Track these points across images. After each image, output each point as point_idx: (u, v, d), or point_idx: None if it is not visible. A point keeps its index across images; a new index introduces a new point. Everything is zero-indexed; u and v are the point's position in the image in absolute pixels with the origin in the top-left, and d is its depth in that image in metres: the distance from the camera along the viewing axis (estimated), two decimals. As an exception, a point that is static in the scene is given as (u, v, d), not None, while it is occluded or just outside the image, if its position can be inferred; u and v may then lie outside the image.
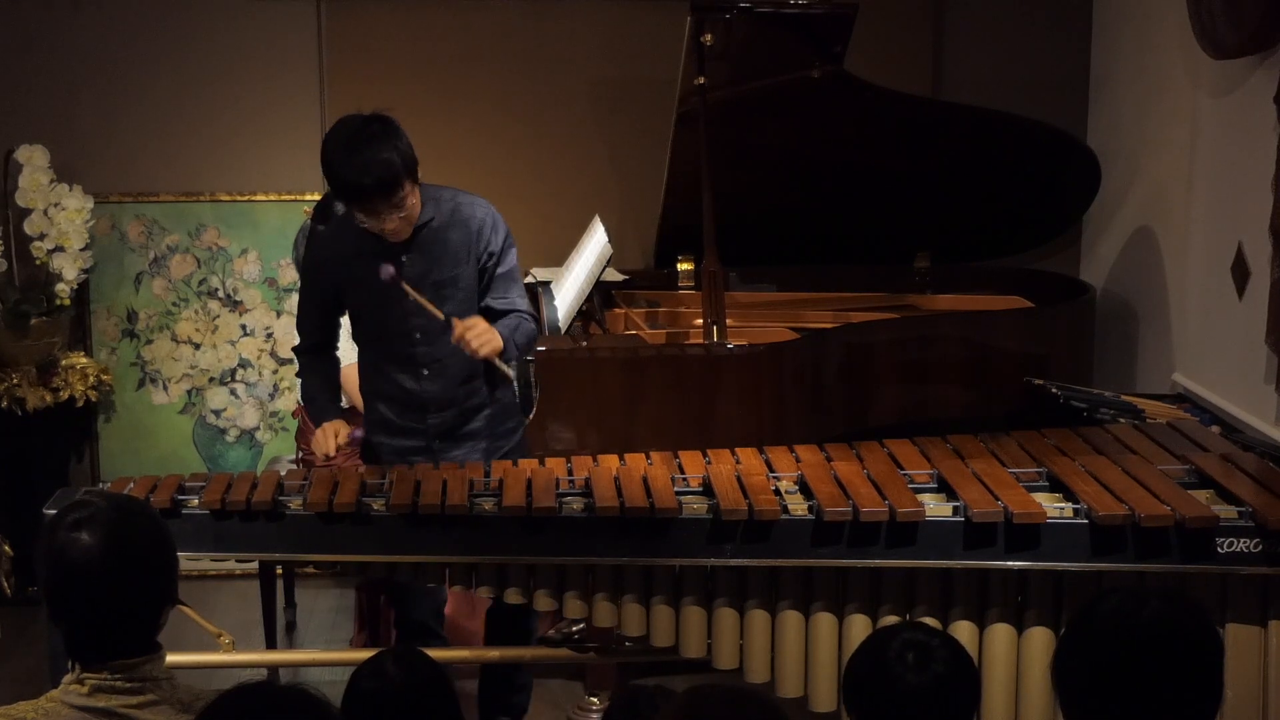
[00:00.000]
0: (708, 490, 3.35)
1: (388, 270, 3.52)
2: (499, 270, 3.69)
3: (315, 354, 3.83)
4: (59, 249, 5.14)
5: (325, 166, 3.53)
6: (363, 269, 3.61)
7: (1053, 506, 3.19)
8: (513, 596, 3.31)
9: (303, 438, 4.62)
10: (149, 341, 5.45)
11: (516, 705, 4.00)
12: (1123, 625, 2.08)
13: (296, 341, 3.90)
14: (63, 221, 5.12)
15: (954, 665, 2.22)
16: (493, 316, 3.65)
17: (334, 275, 3.70)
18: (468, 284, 3.66)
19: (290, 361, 5.21)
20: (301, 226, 4.59)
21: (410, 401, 3.71)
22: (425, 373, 3.68)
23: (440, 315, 3.56)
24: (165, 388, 5.47)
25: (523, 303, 3.74)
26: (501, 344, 3.56)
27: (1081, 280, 5.28)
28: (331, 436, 3.69)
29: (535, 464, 3.58)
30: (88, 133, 5.34)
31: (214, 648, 3.63)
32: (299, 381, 3.93)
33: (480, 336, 3.53)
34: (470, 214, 3.67)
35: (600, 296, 4.84)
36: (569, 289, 4.77)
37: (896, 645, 2.23)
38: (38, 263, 5.17)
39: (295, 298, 5.35)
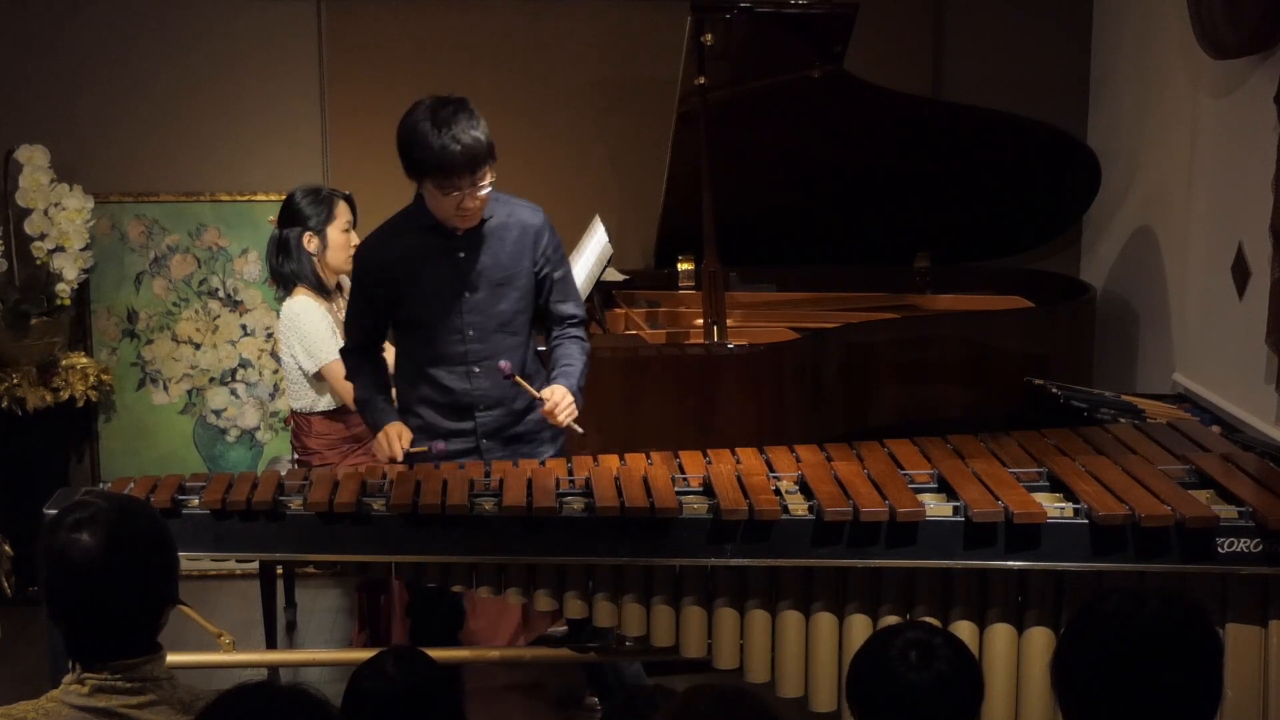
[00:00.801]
0: (708, 490, 3.35)
1: (506, 367, 3.62)
2: (556, 274, 3.76)
3: (363, 354, 3.82)
4: (59, 249, 5.14)
5: (408, 136, 3.55)
6: (416, 267, 3.65)
7: (1053, 506, 3.19)
8: (513, 596, 3.31)
9: (298, 441, 4.61)
10: (149, 341, 5.45)
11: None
12: (1123, 625, 2.08)
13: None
14: (63, 221, 5.12)
15: (957, 664, 2.22)
16: (559, 318, 3.76)
17: (387, 275, 3.70)
18: (523, 285, 3.71)
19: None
20: (271, 236, 4.57)
21: (458, 402, 3.72)
22: (476, 370, 3.69)
23: (539, 396, 3.63)
24: (165, 388, 5.47)
25: (580, 309, 3.82)
26: (574, 411, 3.65)
27: (1081, 280, 5.28)
28: (396, 439, 3.67)
29: (535, 464, 3.58)
30: (88, 133, 5.34)
31: (214, 648, 3.63)
32: (353, 382, 3.88)
33: (568, 410, 3.62)
34: (528, 218, 3.73)
35: (600, 296, 4.84)
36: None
37: (900, 644, 2.22)
38: (38, 263, 5.18)
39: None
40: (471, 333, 3.68)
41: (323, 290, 4.51)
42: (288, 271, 4.49)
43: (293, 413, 4.59)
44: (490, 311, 3.69)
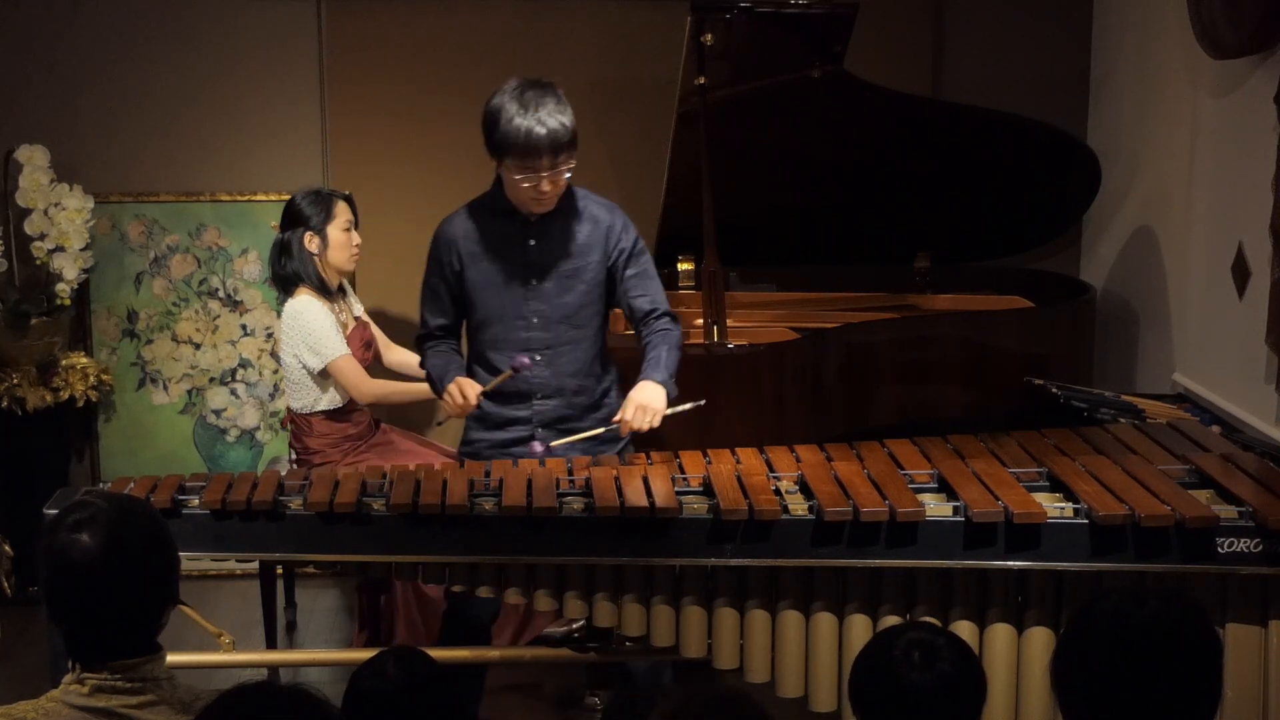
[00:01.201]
0: (708, 490, 3.35)
1: (536, 449, 3.60)
2: (631, 271, 3.74)
3: (441, 339, 3.79)
4: (59, 249, 5.14)
5: (494, 114, 3.57)
6: (486, 248, 3.68)
7: (1053, 506, 3.20)
8: (513, 596, 3.31)
9: (298, 442, 4.61)
10: (149, 341, 5.45)
11: None
12: (1123, 625, 2.08)
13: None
14: (63, 221, 5.12)
15: (960, 664, 2.22)
16: (640, 314, 3.73)
17: (458, 252, 3.71)
18: (592, 278, 3.72)
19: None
20: (275, 241, 4.58)
21: (516, 388, 3.71)
22: (538, 358, 3.70)
23: (617, 426, 3.62)
24: (165, 388, 5.47)
25: (665, 300, 3.79)
26: (661, 404, 3.59)
27: (1081, 280, 5.28)
28: (467, 385, 3.63)
29: (535, 464, 3.58)
30: (88, 133, 5.34)
31: (214, 648, 3.64)
32: (425, 368, 3.83)
33: (646, 417, 3.56)
34: (601, 214, 3.74)
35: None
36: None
37: (902, 644, 2.22)
38: (38, 263, 5.18)
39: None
40: (535, 320, 3.70)
41: (325, 290, 4.52)
42: (290, 272, 4.50)
43: (292, 414, 4.59)
44: (556, 302, 3.70)
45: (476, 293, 3.72)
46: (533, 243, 3.68)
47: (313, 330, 4.45)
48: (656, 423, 3.57)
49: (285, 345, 4.52)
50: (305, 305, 4.48)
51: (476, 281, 3.71)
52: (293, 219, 4.53)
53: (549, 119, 3.51)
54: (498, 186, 3.71)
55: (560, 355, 3.72)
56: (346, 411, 4.55)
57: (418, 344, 3.88)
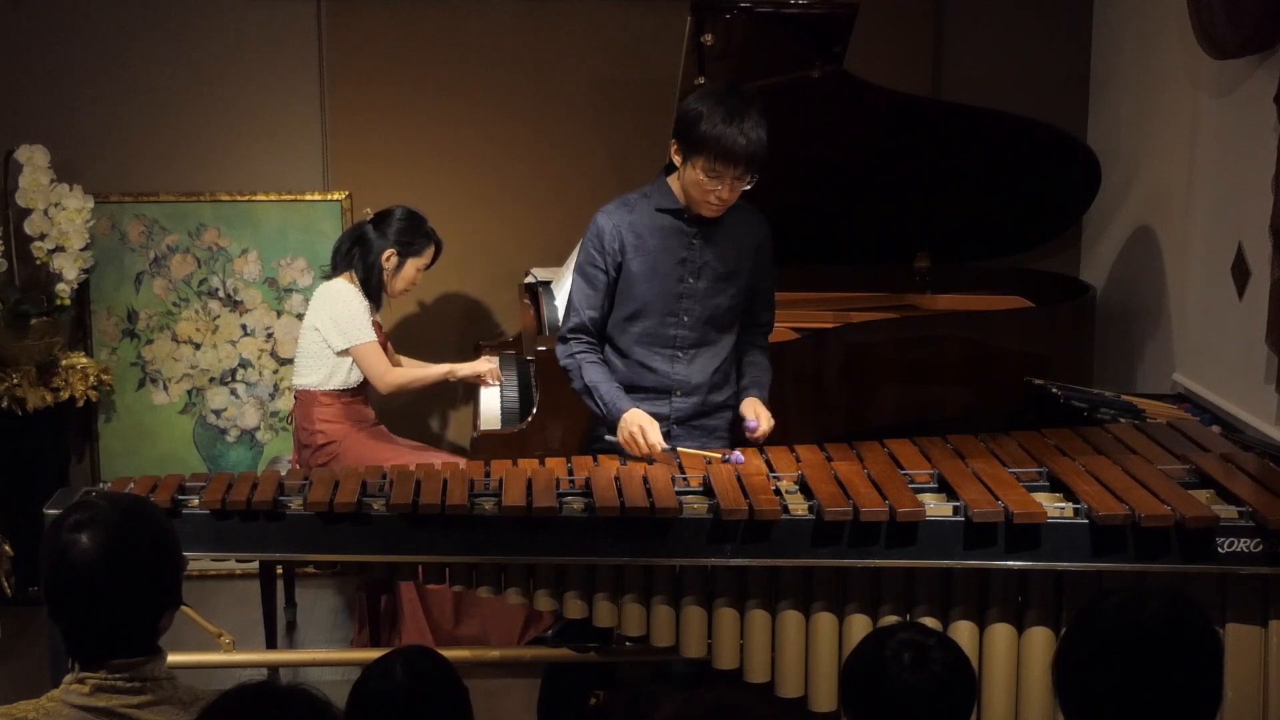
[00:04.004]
0: (708, 490, 3.35)
1: (737, 457, 3.58)
2: (765, 283, 3.82)
3: (591, 343, 3.73)
4: (59, 249, 5.14)
5: (696, 112, 3.53)
6: (649, 241, 3.67)
7: (1053, 506, 3.20)
8: (513, 597, 3.31)
9: (306, 423, 4.62)
10: (149, 341, 5.45)
11: None
12: (1123, 625, 2.08)
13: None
14: (63, 221, 5.12)
15: (951, 665, 2.22)
16: (752, 320, 3.82)
17: (620, 243, 3.69)
18: (742, 284, 3.75)
19: (289, 362, 5.22)
20: (357, 225, 4.74)
21: (659, 384, 3.72)
22: (681, 355, 3.72)
23: (754, 436, 3.66)
24: (165, 388, 5.47)
25: (773, 318, 3.90)
26: (771, 420, 3.69)
27: (1081, 280, 5.28)
28: (651, 428, 3.55)
29: (535, 464, 3.58)
30: (88, 133, 5.34)
31: (214, 648, 3.64)
32: (572, 369, 3.73)
33: (768, 427, 3.66)
34: (757, 224, 3.78)
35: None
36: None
37: (893, 645, 2.23)
38: (38, 263, 5.18)
39: (296, 298, 5.39)
40: (686, 319, 3.71)
41: (372, 296, 4.64)
42: (354, 265, 4.63)
43: (302, 393, 4.61)
44: (708, 302, 3.71)
45: (635, 285, 3.70)
46: (695, 242, 3.69)
47: (342, 312, 4.56)
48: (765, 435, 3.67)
49: (311, 318, 4.63)
50: (345, 288, 4.61)
51: (637, 273, 3.69)
52: (389, 229, 4.64)
53: (752, 132, 3.50)
54: (664, 181, 3.71)
55: (702, 354, 3.73)
56: (355, 392, 4.60)
57: (564, 337, 3.76)
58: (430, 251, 4.70)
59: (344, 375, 4.57)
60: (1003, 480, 3.32)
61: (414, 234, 4.65)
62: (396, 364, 4.80)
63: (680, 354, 3.72)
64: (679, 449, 3.60)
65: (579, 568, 3.28)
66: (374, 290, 4.63)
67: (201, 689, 2.27)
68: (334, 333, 4.54)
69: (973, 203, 5.13)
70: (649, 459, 3.53)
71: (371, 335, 4.57)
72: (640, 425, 3.55)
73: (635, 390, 3.70)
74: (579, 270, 3.75)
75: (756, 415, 3.66)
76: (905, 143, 4.97)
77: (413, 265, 4.66)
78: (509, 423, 4.49)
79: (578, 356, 3.71)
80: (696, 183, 3.58)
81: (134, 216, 5.40)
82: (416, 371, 4.76)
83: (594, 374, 3.68)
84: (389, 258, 4.62)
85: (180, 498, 3.34)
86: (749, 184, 3.58)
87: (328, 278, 4.72)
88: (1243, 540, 3.10)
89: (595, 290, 3.72)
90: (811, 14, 4.55)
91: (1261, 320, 4.01)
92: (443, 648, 3.69)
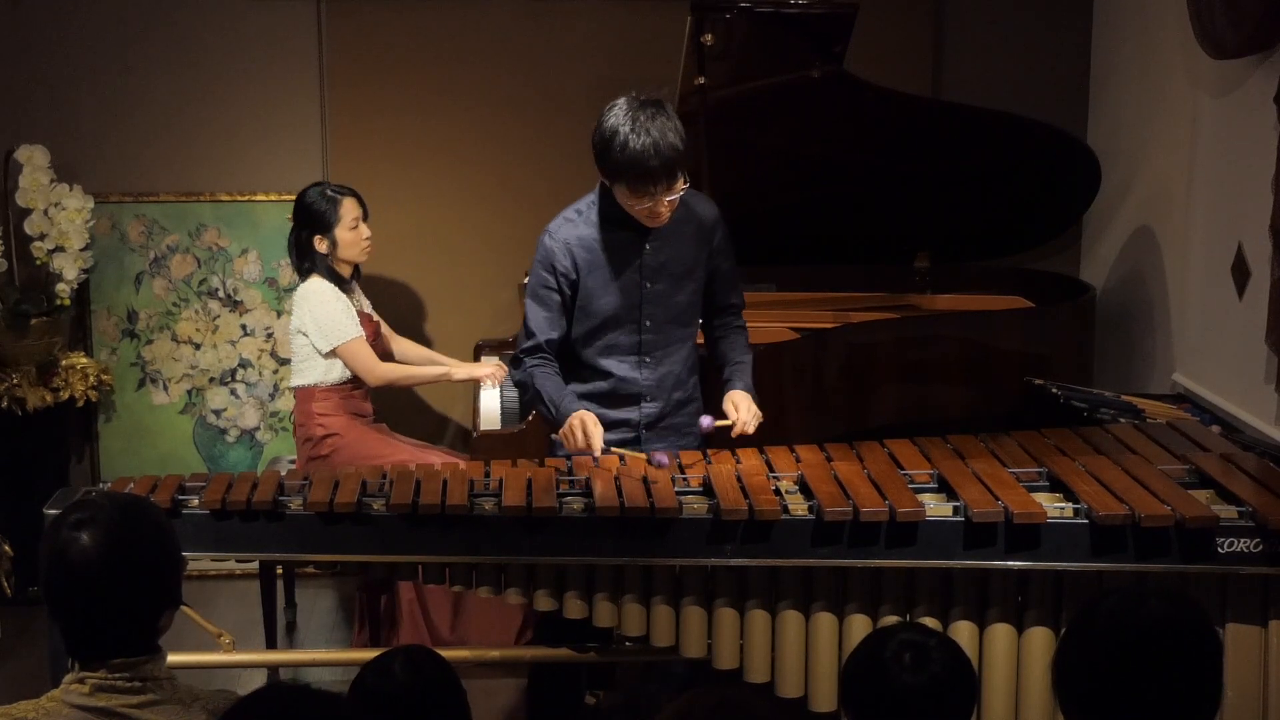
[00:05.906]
0: (708, 490, 3.35)
1: (707, 426, 3.61)
2: (725, 265, 3.79)
3: (546, 359, 3.70)
4: (59, 249, 5.14)
5: (607, 139, 3.52)
6: (601, 256, 3.65)
7: (1053, 506, 3.20)
8: (513, 597, 3.31)
9: (308, 421, 4.62)
10: (149, 341, 5.45)
11: None
12: (1123, 625, 2.08)
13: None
14: (63, 221, 5.12)
15: (951, 666, 2.22)
16: (720, 306, 3.81)
17: (571, 262, 3.67)
18: (699, 278, 3.75)
19: (289, 362, 5.21)
20: (290, 233, 4.69)
21: (624, 391, 3.72)
22: (648, 359, 3.71)
23: (730, 423, 3.64)
24: (165, 388, 5.47)
25: (741, 298, 3.86)
26: (755, 409, 3.68)
27: (1081, 280, 5.27)
28: (592, 427, 3.53)
29: (535, 464, 3.58)
30: (88, 133, 5.34)
31: (214, 648, 3.63)
32: (525, 386, 3.75)
33: (754, 420, 3.64)
34: (704, 212, 3.76)
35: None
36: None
37: (893, 645, 2.23)
38: (38, 263, 5.18)
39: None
40: (648, 324, 3.70)
41: (339, 282, 4.61)
42: (304, 267, 4.64)
43: (299, 391, 4.61)
44: (668, 304, 3.71)
45: (594, 299, 3.68)
46: (648, 247, 3.67)
47: (320, 314, 4.55)
48: (752, 429, 3.63)
49: (295, 322, 4.63)
50: (316, 288, 4.59)
51: (594, 288, 3.68)
52: (302, 218, 4.62)
53: (662, 142, 3.46)
54: (607, 194, 3.66)
55: (669, 356, 3.74)
56: (353, 385, 4.60)
57: (517, 358, 3.76)
58: (347, 206, 4.59)
59: (339, 371, 4.59)
60: (1003, 480, 3.31)
61: (319, 209, 4.57)
62: (392, 349, 4.80)
63: (646, 359, 3.71)
64: (614, 449, 3.58)
65: (579, 568, 3.27)
66: (339, 278, 4.61)
67: (201, 689, 2.27)
68: (318, 336, 4.54)
69: (973, 203, 5.13)
70: (588, 453, 3.52)
71: (355, 332, 4.55)
72: (583, 421, 3.54)
73: (603, 401, 3.70)
74: (531, 295, 3.71)
75: (736, 407, 3.64)
76: (905, 143, 4.97)
77: (342, 231, 4.57)
78: (509, 423, 4.49)
79: (530, 369, 3.69)
80: (628, 204, 3.58)
81: (134, 216, 5.40)
82: (409, 370, 4.73)
83: (544, 382, 3.67)
84: (319, 243, 4.58)
85: (180, 498, 3.34)
86: (683, 188, 3.56)
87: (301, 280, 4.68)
88: (1243, 540, 3.10)
89: (551, 312, 3.69)
90: (811, 14, 4.55)
91: (1261, 320, 4.01)
92: (441, 648, 3.71)
